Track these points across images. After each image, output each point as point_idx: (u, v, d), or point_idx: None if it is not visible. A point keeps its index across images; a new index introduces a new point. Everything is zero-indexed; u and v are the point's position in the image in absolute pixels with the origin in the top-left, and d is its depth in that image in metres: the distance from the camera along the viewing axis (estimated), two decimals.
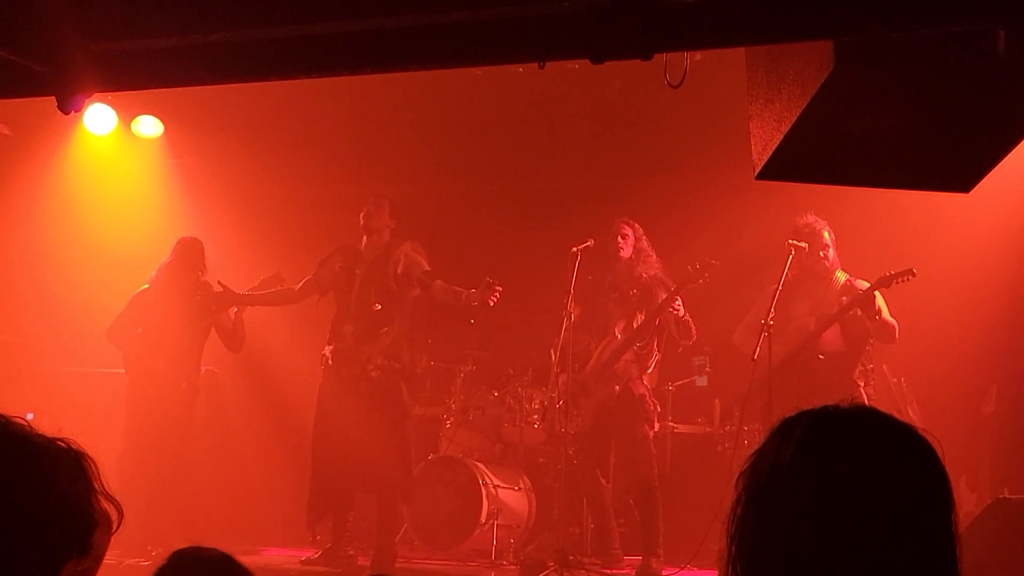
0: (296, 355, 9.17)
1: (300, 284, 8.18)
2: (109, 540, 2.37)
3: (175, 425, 8.15)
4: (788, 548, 1.74)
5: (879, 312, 7.23)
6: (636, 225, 8.07)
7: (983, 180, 3.34)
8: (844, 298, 7.44)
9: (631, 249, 7.99)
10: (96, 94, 2.69)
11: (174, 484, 8.10)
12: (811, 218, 7.62)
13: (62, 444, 2.30)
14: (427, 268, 7.92)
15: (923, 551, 1.72)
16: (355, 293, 7.89)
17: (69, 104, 2.62)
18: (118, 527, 2.32)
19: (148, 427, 8.04)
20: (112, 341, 8.40)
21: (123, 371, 8.37)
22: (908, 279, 7.15)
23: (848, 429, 1.81)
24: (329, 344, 7.91)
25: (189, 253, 8.41)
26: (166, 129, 9.67)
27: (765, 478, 1.81)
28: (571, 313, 7.74)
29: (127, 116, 9.53)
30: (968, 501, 7.54)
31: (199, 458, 8.55)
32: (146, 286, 8.42)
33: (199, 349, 8.41)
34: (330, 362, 7.86)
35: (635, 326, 7.92)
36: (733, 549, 1.83)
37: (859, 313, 7.31)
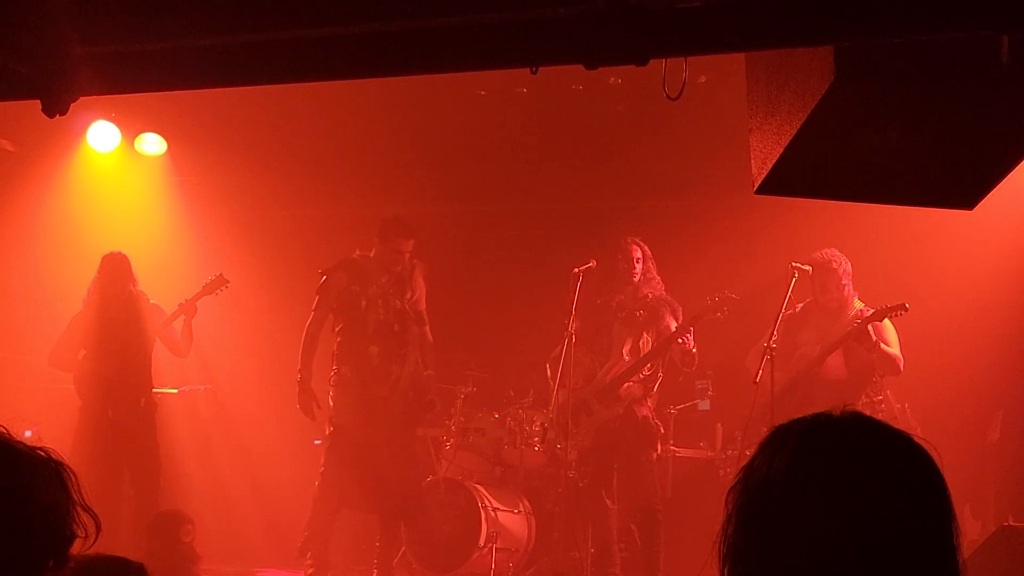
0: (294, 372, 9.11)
1: (312, 314, 7.96)
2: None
3: (143, 443, 8.06)
4: (784, 568, 1.68)
5: (876, 345, 7.19)
6: (644, 246, 8.04)
7: (987, 201, 3.28)
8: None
9: (641, 273, 7.97)
10: (82, 97, 2.63)
11: (155, 502, 8.03)
12: (827, 253, 7.56)
13: (42, 453, 2.27)
14: (423, 306, 7.96)
15: (924, 564, 1.66)
16: (373, 313, 7.84)
17: (54, 107, 2.57)
18: (95, 540, 2.28)
19: (112, 448, 7.93)
20: (55, 366, 8.30)
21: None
22: (901, 313, 7.16)
23: (842, 440, 1.74)
24: (345, 364, 7.80)
25: (115, 268, 8.23)
26: (169, 147, 9.65)
27: (757, 494, 1.74)
28: (572, 334, 7.72)
29: (130, 133, 9.52)
30: (972, 529, 7.46)
31: (194, 476, 8.49)
32: (80, 309, 8.29)
33: (148, 362, 8.27)
34: (352, 382, 7.77)
35: (642, 348, 7.89)
36: (726, 571, 1.76)
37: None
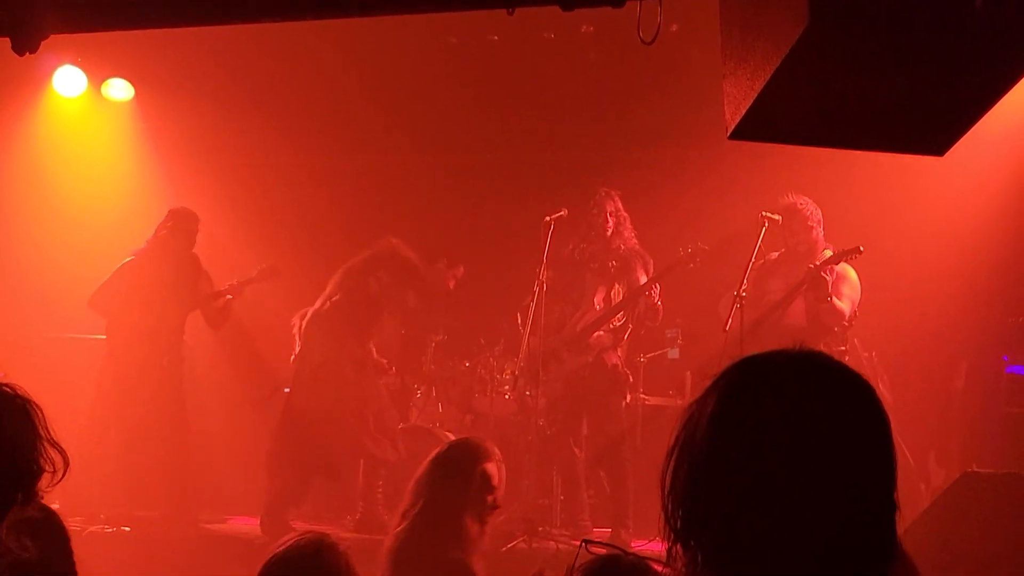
0: (271, 324, 9.09)
1: None
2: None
3: (164, 399, 8.12)
4: (717, 503, 1.67)
5: (828, 297, 7.23)
6: (617, 197, 8.05)
7: (957, 151, 3.29)
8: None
9: (614, 226, 7.99)
10: (49, 42, 2.59)
11: (166, 455, 8.10)
12: (794, 198, 7.60)
13: (8, 390, 2.26)
14: None
15: (860, 495, 1.63)
16: None
17: (24, 45, 2.53)
18: (63, 476, 2.29)
19: (125, 397, 7.98)
20: (95, 309, 8.31)
21: (97, 337, 8.37)
22: (855, 256, 7.21)
23: (775, 374, 1.71)
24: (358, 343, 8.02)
25: (185, 223, 8.28)
26: (137, 92, 9.56)
27: (692, 430, 1.74)
28: (543, 283, 7.74)
29: (97, 79, 9.42)
30: (937, 476, 7.56)
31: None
32: (131, 257, 8.30)
33: (181, 323, 8.33)
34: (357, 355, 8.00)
35: (613, 299, 7.93)
36: (669, 506, 1.74)
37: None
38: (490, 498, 4.58)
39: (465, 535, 4.45)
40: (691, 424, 1.74)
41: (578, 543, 2.56)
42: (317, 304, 7.92)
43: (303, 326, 7.91)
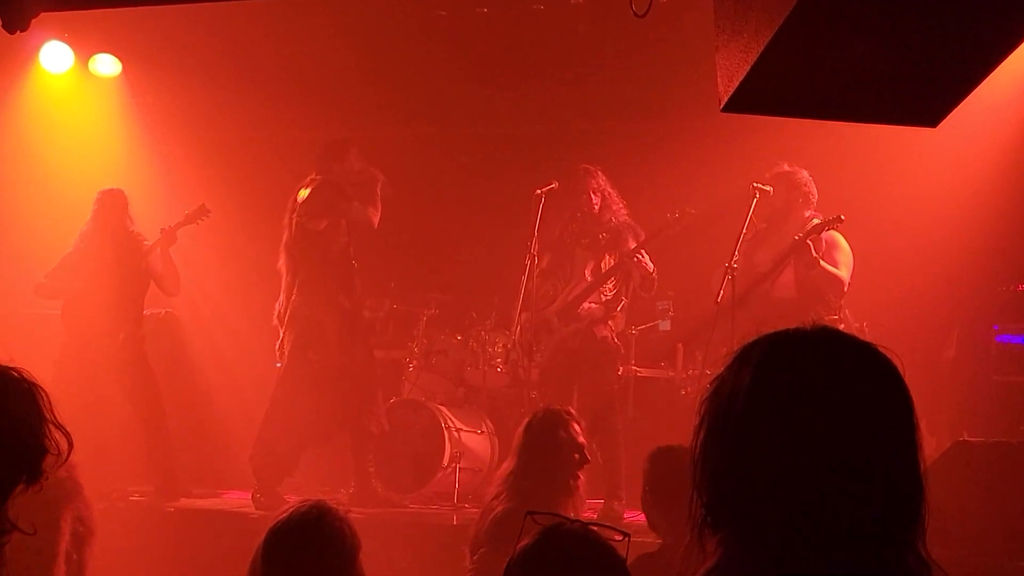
0: (256, 298, 9.07)
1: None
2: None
3: (130, 377, 8.19)
4: (749, 479, 1.70)
5: (816, 262, 7.24)
6: (599, 173, 8.04)
7: (948, 121, 3.29)
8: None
9: (600, 201, 7.98)
10: (42, 14, 2.57)
11: (163, 431, 8.22)
12: (785, 167, 7.60)
13: (15, 373, 2.29)
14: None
15: (888, 471, 1.67)
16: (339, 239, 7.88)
17: (15, 23, 2.52)
18: (67, 457, 2.32)
19: (82, 374, 8.00)
20: (42, 295, 8.39)
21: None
22: (837, 226, 7.23)
23: (806, 352, 1.75)
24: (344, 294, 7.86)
25: (111, 206, 8.31)
26: (124, 68, 9.51)
27: (724, 405, 1.76)
28: (535, 256, 7.76)
29: (84, 54, 9.37)
30: (928, 445, 7.50)
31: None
32: (73, 246, 8.35)
33: (139, 299, 8.38)
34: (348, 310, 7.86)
35: (604, 269, 7.93)
36: (697, 478, 1.77)
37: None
38: (577, 456, 5.19)
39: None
40: (721, 406, 1.76)
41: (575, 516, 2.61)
42: (282, 294, 7.89)
43: (286, 313, 7.86)
